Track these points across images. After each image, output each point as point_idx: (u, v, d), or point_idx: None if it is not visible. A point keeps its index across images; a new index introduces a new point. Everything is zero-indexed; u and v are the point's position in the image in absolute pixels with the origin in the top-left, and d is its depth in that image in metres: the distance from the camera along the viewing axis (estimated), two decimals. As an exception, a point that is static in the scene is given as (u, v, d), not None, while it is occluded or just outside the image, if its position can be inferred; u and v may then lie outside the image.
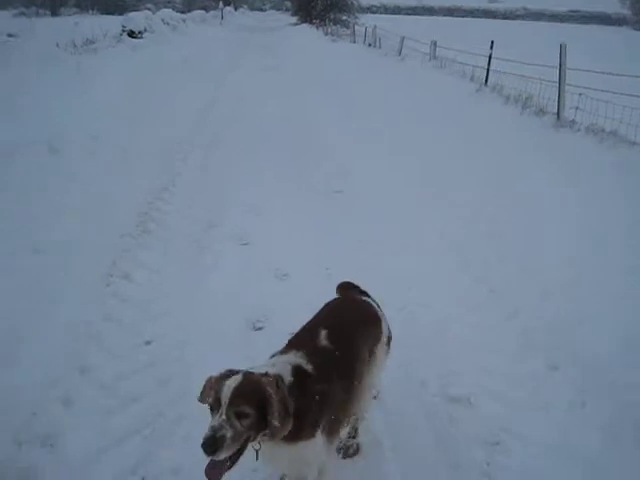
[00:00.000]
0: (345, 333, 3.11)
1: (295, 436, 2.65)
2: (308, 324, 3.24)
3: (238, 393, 2.46)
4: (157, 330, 4.86)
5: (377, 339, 3.38)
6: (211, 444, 2.37)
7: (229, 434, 2.40)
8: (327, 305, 3.48)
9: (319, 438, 2.78)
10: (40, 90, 10.98)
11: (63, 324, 4.82)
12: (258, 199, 7.71)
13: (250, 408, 2.46)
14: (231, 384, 2.49)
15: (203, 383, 2.64)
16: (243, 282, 5.60)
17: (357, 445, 3.57)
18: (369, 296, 3.67)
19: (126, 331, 4.86)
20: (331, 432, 2.91)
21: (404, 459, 3.52)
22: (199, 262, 6.06)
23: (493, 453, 3.58)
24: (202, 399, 2.61)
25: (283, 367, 2.75)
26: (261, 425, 2.52)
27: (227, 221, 7.05)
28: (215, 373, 2.63)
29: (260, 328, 4.92)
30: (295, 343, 3.02)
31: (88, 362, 4.43)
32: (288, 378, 2.69)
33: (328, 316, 3.31)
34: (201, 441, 2.38)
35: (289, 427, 2.58)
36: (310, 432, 2.72)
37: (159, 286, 5.58)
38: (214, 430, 2.39)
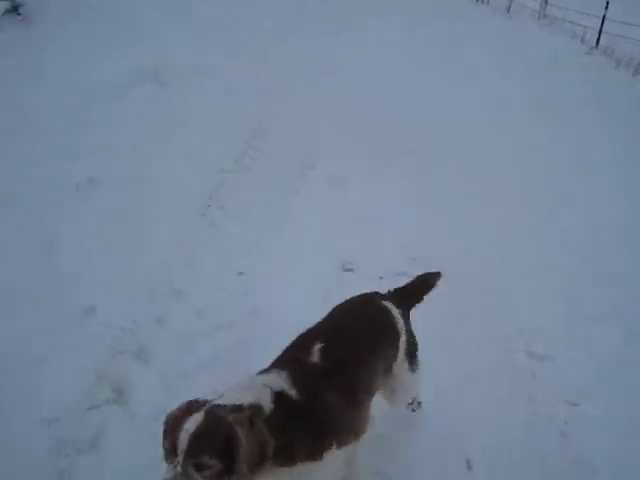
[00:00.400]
0: (346, 348, 2.64)
1: (291, 459, 2.26)
2: (302, 335, 2.74)
3: (197, 440, 1.98)
4: (250, 262, 5.03)
5: (393, 356, 2.95)
6: None
7: None
8: (334, 311, 3.00)
9: (331, 455, 2.41)
10: (145, 19, 11.27)
11: (158, 249, 5.10)
12: (353, 144, 7.69)
13: (212, 458, 1.99)
14: (190, 427, 2.00)
15: (163, 425, 2.13)
16: (334, 223, 5.65)
17: (418, 402, 3.54)
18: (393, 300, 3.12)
19: (219, 261, 5.06)
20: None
21: (482, 408, 3.56)
22: (293, 200, 6.18)
23: (571, 413, 3.58)
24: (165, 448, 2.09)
25: (261, 392, 2.29)
26: (231, 471, 2.05)
27: (322, 162, 7.09)
28: (175, 408, 2.15)
29: (350, 269, 4.98)
30: (280, 360, 2.58)
31: (182, 287, 4.65)
32: (268, 406, 2.25)
33: (330, 326, 2.82)
34: None
35: (265, 470, 2.16)
36: (310, 455, 2.34)
37: (253, 221, 5.74)
38: None
